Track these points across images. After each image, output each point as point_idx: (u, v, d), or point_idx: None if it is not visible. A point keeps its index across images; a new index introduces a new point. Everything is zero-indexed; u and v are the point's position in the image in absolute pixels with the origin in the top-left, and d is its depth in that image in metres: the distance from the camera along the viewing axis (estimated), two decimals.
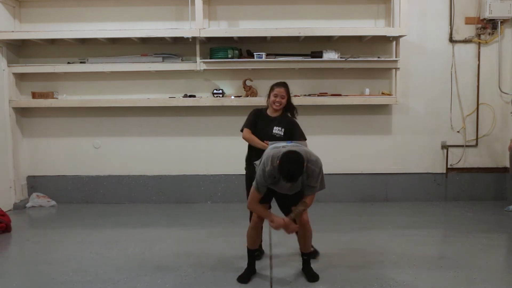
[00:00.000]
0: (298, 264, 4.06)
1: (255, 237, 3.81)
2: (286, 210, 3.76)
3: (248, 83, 6.06)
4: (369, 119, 6.32)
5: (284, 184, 3.33)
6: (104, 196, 6.42)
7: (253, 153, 3.99)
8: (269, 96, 4.02)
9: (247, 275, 3.81)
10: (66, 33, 5.94)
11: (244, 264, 3.98)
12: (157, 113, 6.30)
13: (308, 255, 3.88)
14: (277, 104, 3.96)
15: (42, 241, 4.84)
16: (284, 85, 4.02)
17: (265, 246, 4.48)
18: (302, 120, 6.25)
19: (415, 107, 6.32)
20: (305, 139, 3.98)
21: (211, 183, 6.37)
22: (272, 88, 4.01)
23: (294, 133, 3.96)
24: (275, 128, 3.95)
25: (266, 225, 5.03)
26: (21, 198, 6.30)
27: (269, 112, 4.05)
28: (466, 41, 6.23)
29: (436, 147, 6.37)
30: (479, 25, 6.19)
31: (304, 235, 3.77)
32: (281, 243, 4.59)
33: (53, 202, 6.31)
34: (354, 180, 6.22)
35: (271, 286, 3.66)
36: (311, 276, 3.78)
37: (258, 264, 4.05)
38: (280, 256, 4.28)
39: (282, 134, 3.93)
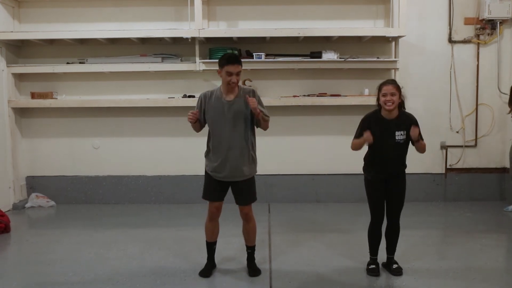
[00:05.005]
0: (297, 264, 4.06)
1: (213, 230, 3.88)
2: (238, 200, 3.82)
3: (247, 83, 6.06)
4: None
5: (219, 103, 3.65)
6: (104, 196, 6.41)
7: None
8: (378, 98, 3.71)
9: (208, 269, 3.89)
10: (65, 33, 5.93)
11: (243, 264, 3.99)
12: (157, 114, 6.30)
13: (252, 249, 3.92)
14: (389, 104, 3.61)
15: (41, 241, 4.84)
16: (392, 82, 3.72)
17: (265, 246, 4.49)
18: (302, 120, 6.34)
19: (414, 108, 6.26)
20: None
21: None
22: (379, 89, 3.70)
23: (417, 131, 3.65)
24: (397, 133, 3.66)
25: (265, 227, 5.04)
26: (20, 199, 6.29)
27: (384, 114, 3.71)
28: (465, 41, 6.23)
29: (435, 147, 6.37)
30: (478, 26, 6.19)
31: (247, 227, 3.86)
32: (280, 243, 4.59)
33: (52, 203, 6.30)
34: (354, 180, 6.19)
35: (271, 286, 3.67)
36: (253, 271, 3.87)
37: (258, 264, 4.04)
38: (279, 255, 4.27)
39: (405, 137, 3.68)
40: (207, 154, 3.83)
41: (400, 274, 3.81)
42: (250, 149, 3.75)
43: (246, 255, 3.95)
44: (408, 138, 3.72)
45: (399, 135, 3.69)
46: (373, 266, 3.88)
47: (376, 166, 3.79)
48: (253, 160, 3.79)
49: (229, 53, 3.71)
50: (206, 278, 3.80)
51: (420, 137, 3.70)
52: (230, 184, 3.79)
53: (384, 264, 3.97)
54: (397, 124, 3.69)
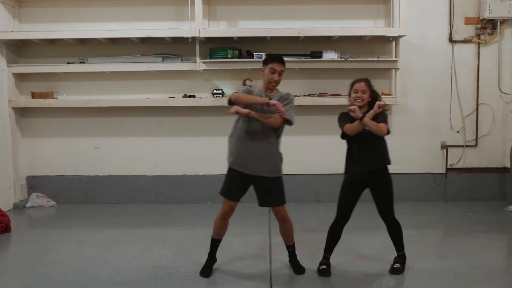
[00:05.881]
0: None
1: (222, 227, 3.84)
2: (265, 201, 3.79)
3: (247, 83, 6.05)
4: None
5: (260, 96, 3.65)
6: (104, 196, 6.41)
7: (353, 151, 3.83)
8: (349, 95, 3.82)
9: (209, 267, 3.86)
10: (65, 33, 5.93)
11: (243, 264, 3.99)
12: (157, 113, 6.30)
13: (292, 247, 3.92)
14: (359, 100, 3.70)
15: (42, 241, 4.84)
16: (364, 80, 3.78)
17: (265, 246, 4.49)
18: (302, 120, 6.30)
19: (414, 107, 6.32)
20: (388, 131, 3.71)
21: (211, 183, 6.36)
22: (351, 85, 3.81)
23: (379, 118, 3.67)
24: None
25: (265, 227, 5.05)
26: (20, 198, 6.29)
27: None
28: (465, 41, 6.23)
29: (436, 147, 6.37)
30: (479, 25, 6.18)
31: (284, 229, 3.86)
32: (281, 243, 4.59)
33: (52, 202, 6.30)
34: None
35: (271, 286, 3.67)
36: (298, 268, 3.88)
37: (258, 264, 4.05)
38: (280, 255, 4.27)
39: None
40: (232, 148, 3.77)
41: (397, 273, 3.82)
42: (277, 146, 3.78)
43: (247, 258, 3.94)
44: None
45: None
46: (324, 266, 3.87)
47: (356, 163, 3.77)
48: (280, 158, 3.78)
49: (275, 54, 3.78)
50: (207, 278, 3.80)
51: (382, 121, 3.67)
52: (254, 182, 3.73)
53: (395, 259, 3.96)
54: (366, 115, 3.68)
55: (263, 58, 5.77)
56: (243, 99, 3.66)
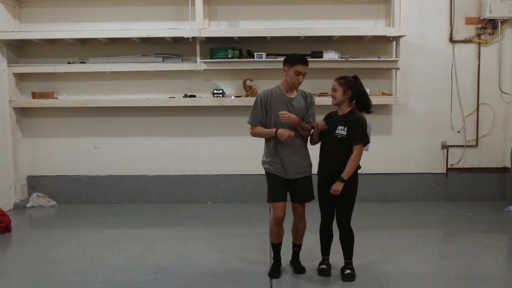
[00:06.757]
0: None
1: (280, 232, 3.83)
2: (298, 198, 3.79)
3: (248, 83, 6.06)
4: (369, 119, 6.27)
5: (280, 100, 3.67)
6: (104, 196, 6.42)
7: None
8: None
9: (277, 269, 3.85)
10: (66, 33, 5.94)
11: (243, 264, 3.99)
12: (157, 113, 6.30)
13: (299, 247, 3.92)
14: (333, 99, 3.74)
15: (42, 241, 4.85)
16: (338, 78, 3.74)
17: (265, 246, 4.49)
18: None
19: (415, 107, 6.32)
20: (363, 143, 3.69)
21: (211, 183, 6.37)
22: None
23: (353, 132, 3.65)
24: (338, 127, 3.69)
25: (266, 227, 5.04)
26: (21, 198, 6.29)
27: (337, 109, 3.82)
28: (466, 41, 6.23)
29: (436, 147, 6.37)
30: (479, 25, 6.18)
31: (298, 225, 3.86)
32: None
33: (53, 202, 6.31)
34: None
35: (271, 286, 3.67)
36: (299, 268, 3.88)
37: (258, 264, 4.05)
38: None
39: (345, 134, 3.66)
40: (269, 155, 3.78)
41: (350, 280, 3.72)
42: (306, 146, 3.83)
43: (247, 258, 3.94)
44: (349, 137, 3.66)
45: (340, 130, 3.68)
46: (323, 266, 3.87)
47: (321, 161, 3.78)
48: (309, 157, 3.83)
49: (298, 54, 3.76)
50: (210, 279, 3.80)
51: (358, 141, 3.66)
52: (293, 182, 3.76)
53: (341, 268, 3.85)
54: (342, 119, 3.71)
55: (263, 58, 5.88)
56: (262, 133, 3.75)
